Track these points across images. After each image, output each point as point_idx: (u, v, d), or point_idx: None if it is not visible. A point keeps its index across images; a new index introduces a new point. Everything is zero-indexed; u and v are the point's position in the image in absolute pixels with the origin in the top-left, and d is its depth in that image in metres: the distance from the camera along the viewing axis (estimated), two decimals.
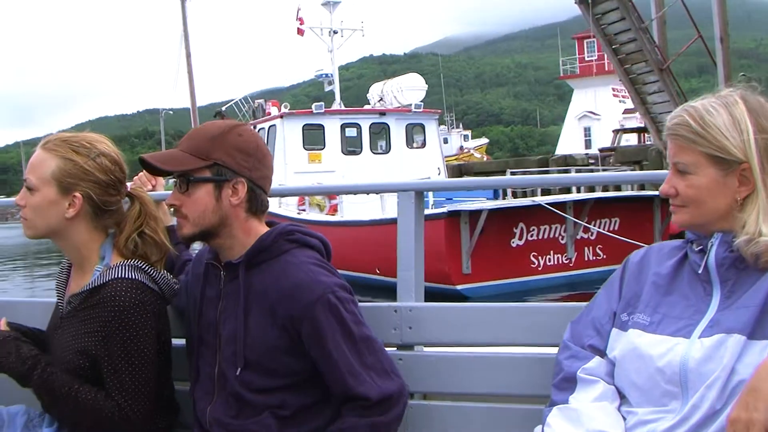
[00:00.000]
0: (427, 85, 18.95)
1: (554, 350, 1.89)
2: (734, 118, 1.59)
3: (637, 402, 1.66)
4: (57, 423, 2.08)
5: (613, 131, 30.95)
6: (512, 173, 20.10)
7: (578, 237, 12.65)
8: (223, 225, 1.94)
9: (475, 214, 11.57)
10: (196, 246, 2.17)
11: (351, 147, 17.09)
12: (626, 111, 43.38)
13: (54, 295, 2.21)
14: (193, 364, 2.05)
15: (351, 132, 17.14)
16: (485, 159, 45.04)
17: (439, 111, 19.03)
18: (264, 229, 2.00)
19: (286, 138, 16.44)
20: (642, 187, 12.76)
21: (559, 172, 19.01)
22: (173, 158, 1.95)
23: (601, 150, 25.95)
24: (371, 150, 17.21)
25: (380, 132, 17.57)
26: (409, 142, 17.58)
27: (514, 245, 12.18)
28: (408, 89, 18.17)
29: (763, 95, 1.64)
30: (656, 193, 9.51)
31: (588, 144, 43.68)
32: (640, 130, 28.56)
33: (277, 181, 16.05)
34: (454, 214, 11.64)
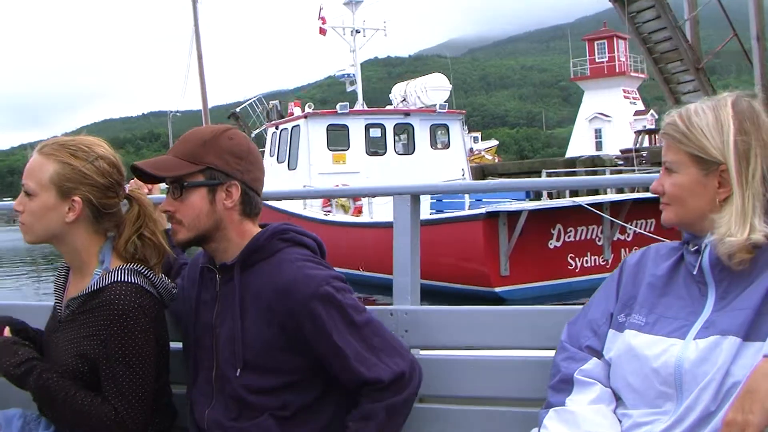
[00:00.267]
0: (451, 85, 18.71)
1: (551, 353, 1.89)
2: (718, 120, 1.62)
3: (632, 403, 1.67)
4: (54, 426, 2.08)
5: (635, 132, 30.83)
6: (548, 174, 19.89)
7: (615, 238, 12.46)
8: (218, 228, 1.95)
9: (513, 215, 11.37)
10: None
11: (375, 148, 16.89)
12: (637, 113, 43.26)
13: (51, 298, 2.21)
14: (190, 368, 2.06)
15: (375, 132, 16.92)
16: (496, 161, 44.83)
17: (464, 111, 18.76)
18: (258, 230, 2.01)
19: (311, 138, 16.21)
20: None
21: (587, 173, 18.83)
22: (166, 164, 1.95)
23: (623, 151, 25.77)
24: (395, 151, 17.00)
25: (402, 132, 17.37)
26: (433, 143, 17.36)
27: (551, 246, 11.98)
28: (432, 89, 17.92)
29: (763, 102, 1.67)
30: None
31: (599, 146, 43.46)
32: (655, 132, 28.48)
33: (302, 183, 15.92)
34: (493, 215, 11.44)
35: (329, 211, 15.92)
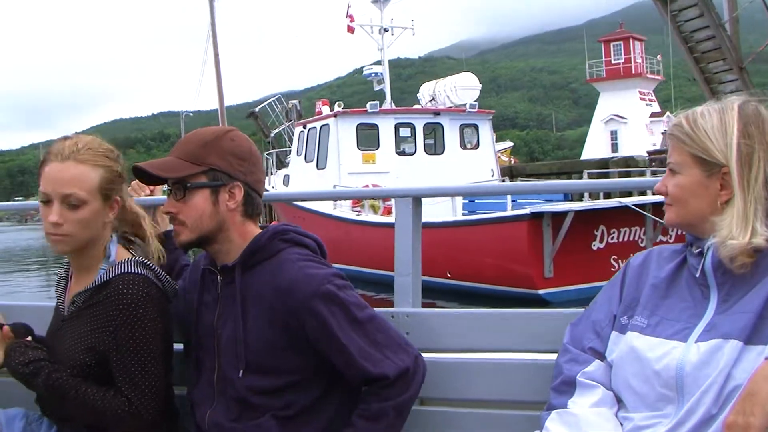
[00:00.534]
0: (480, 85, 18.49)
1: (553, 356, 1.88)
2: (723, 122, 1.62)
3: (633, 406, 1.66)
4: (56, 426, 2.09)
5: (662, 133, 30.56)
6: (589, 174, 19.64)
7: (657, 240, 12.22)
8: (221, 230, 1.96)
9: (558, 216, 11.15)
10: None
11: (404, 147, 16.67)
12: (653, 114, 42.95)
13: (50, 299, 2.18)
14: (192, 369, 2.06)
15: (405, 132, 16.70)
16: (512, 162, 44.59)
17: (493, 111, 18.53)
18: (259, 231, 2.01)
19: (340, 138, 16.00)
20: None
21: (620, 174, 18.58)
22: (169, 165, 1.95)
23: (650, 153, 25.54)
24: (425, 151, 16.78)
25: (431, 132, 17.15)
26: (462, 143, 17.14)
27: (595, 248, 11.77)
28: (462, 88, 17.71)
29: None
30: None
31: (614, 148, 43.13)
32: None
33: (332, 182, 15.72)
34: (537, 216, 11.24)
35: (359, 212, 15.70)
